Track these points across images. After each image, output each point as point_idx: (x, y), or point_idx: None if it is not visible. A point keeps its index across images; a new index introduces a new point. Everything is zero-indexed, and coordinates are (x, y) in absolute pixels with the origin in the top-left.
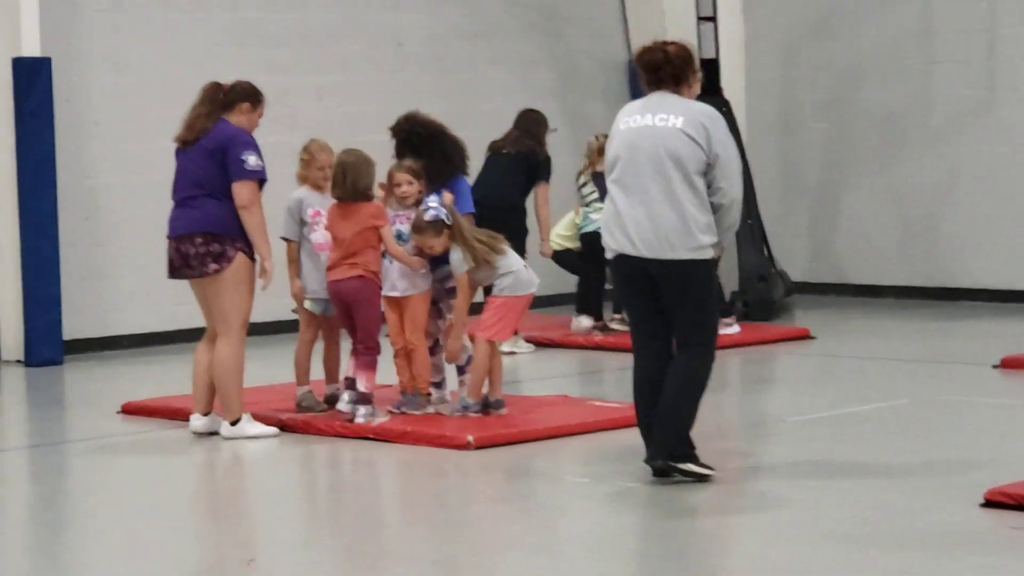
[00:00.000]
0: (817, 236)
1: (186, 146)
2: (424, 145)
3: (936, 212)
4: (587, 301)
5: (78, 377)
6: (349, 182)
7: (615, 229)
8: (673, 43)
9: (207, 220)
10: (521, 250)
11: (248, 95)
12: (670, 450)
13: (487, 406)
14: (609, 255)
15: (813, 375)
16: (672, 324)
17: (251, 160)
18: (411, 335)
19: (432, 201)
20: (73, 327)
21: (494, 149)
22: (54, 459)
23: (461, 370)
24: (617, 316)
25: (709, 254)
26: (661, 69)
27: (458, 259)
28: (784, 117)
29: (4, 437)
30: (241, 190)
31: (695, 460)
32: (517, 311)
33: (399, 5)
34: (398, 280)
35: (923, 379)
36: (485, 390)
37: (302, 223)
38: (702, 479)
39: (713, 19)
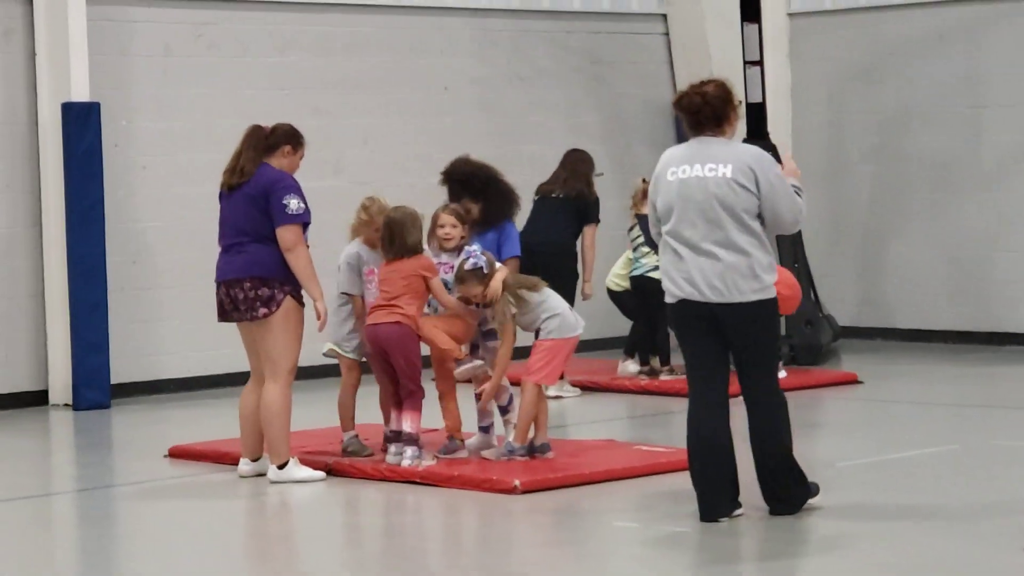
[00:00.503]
0: (865, 280)
1: (231, 190)
2: (482, 189)
3: (985, 257)
4: (636, 345)
5: (125, 420)
6: (398, 242)
7: (677, 276)
8: (711, 82)
9: (255, 265)
10: (571, 294)
11: (289, 138)
12: (801, 500)
13: (533, 450)
14: (670, 299)
15: (861, 420)
16: (736, 367)
17: (293, 204)
18: (423, 320)
19: (475, 250)
20: (120, 371)
21: (543, 193)
22: (101, 503)
23: (504, 410)
24: (665, 367)
25: (774, 293)
26: (700, 112)
27: (500, 308)
28: (831, 162)
29: (52, 481)
30: (285, 234)
31: (811, 493)
32: (564, 354)
33: (445, 50)
34: None
35: (972, 424)
36: (531, 434)
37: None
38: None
39: (760, 63)
